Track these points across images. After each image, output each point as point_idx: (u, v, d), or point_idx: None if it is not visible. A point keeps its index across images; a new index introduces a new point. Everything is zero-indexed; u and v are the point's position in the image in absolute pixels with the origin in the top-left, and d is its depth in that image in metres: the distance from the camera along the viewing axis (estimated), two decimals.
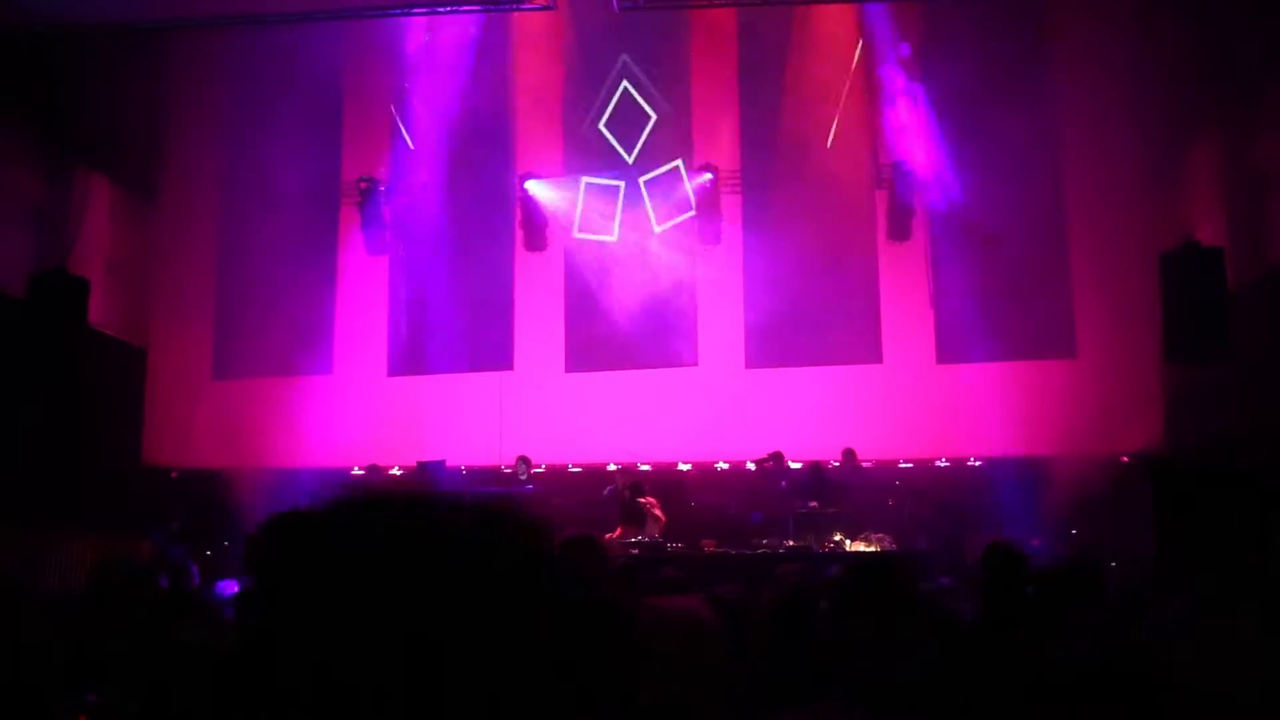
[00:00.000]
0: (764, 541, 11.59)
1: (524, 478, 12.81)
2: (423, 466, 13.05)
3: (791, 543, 11.33)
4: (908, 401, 13.54)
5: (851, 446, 12.88)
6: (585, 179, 14.40)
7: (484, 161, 14.56)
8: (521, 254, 14.53)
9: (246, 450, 13.35)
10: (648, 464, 13.64)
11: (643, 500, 11.76)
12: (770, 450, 12.85)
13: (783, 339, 13.91)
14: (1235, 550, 2.68)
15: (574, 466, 13.94)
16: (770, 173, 14.24)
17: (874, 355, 13.85)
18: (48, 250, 12.41)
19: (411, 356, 14.39)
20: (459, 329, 14.26)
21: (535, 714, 0.95)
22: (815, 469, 12.40)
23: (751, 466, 13.22)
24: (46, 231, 12.85)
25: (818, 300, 13.86)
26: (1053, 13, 13.54)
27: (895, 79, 13.98)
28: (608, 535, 11.47)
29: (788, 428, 13.35)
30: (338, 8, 12.64)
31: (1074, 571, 5.06)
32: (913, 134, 13.81)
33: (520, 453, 13.06)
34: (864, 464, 13.05)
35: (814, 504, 11.94)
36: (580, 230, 14.41)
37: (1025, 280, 13.19)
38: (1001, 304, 13.12)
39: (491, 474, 13.55)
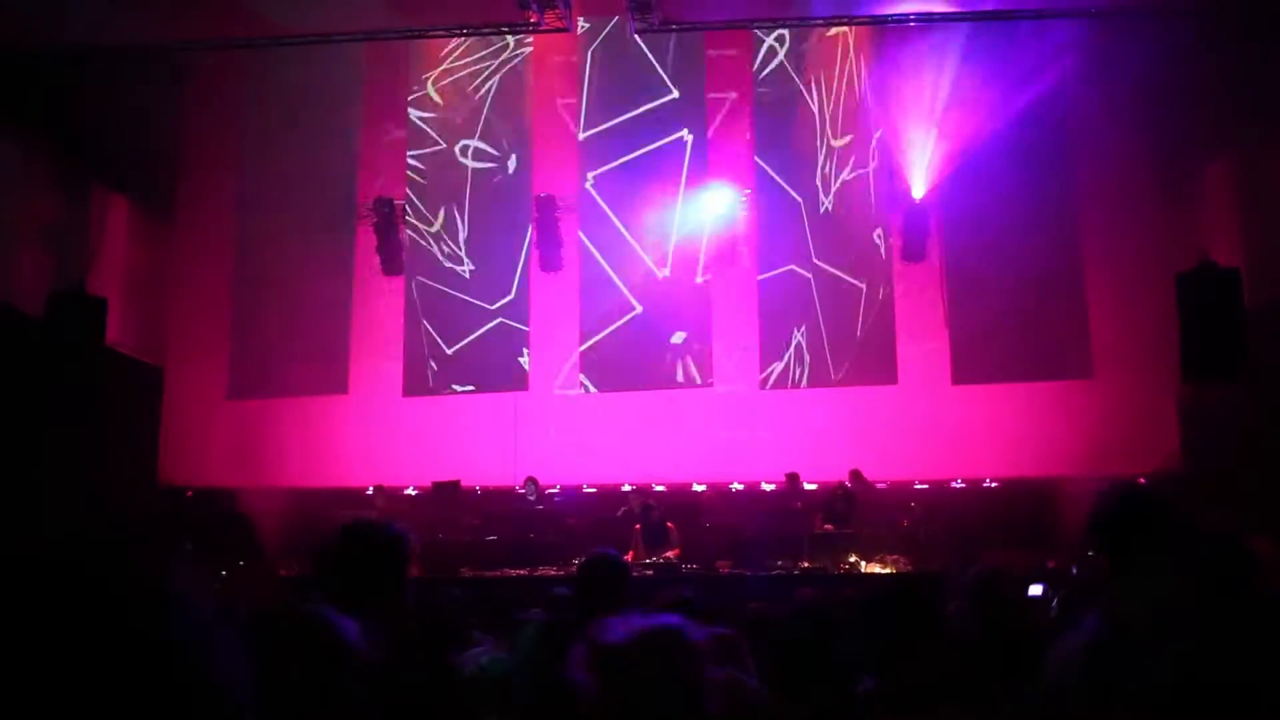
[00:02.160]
0: (779, 563, 11.55)
1: (533, 498, 12.80)
2: (437, 487, 13.06)
3: (807, 564, 11.29)
4: (923, 422, 13.52)
5: (859, 468, 12.84)
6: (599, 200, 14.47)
7: (500, 182, 14.65)
8: (537, 274, 14.55)
9: (262, 470, 13.39)
10: (663, 485, 13.62)
11: (668, 524, 11.75)
12: (786, 472, 12.85)
13: (797, 360, 13.92)
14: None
15: (588, 487, 13.93)
16: (786, 191, 14.26)
17: (889, 376, 13.83)
18: (66, 270, 12.47)
19: (425, 377, 14.43)
20: (473, 349, 14.33)
21: None
22: (845, 493, 12.33)
23: (769, 488, 13.23)
24: (65, 251, 12.91)
25: (832, 321, 13.87)
26: (1067, 32, 13.55)
27: (910, 99, 14.02)
28: (624, 556, 11.44)
29: (803, 449, 13.34)
30: (355, 29, 12.73)
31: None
32: (928, 155, 13.83)
33: (533, 473, 13.06)
34: (879, 485, 13.01)
35: (829, 526, 11.89)
36: (593, 250, 14.47)
37: (1040, 300, 13.18)
38: (1017, 324, 13.10)
39: (504, 494, 13.55)
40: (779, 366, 14.03)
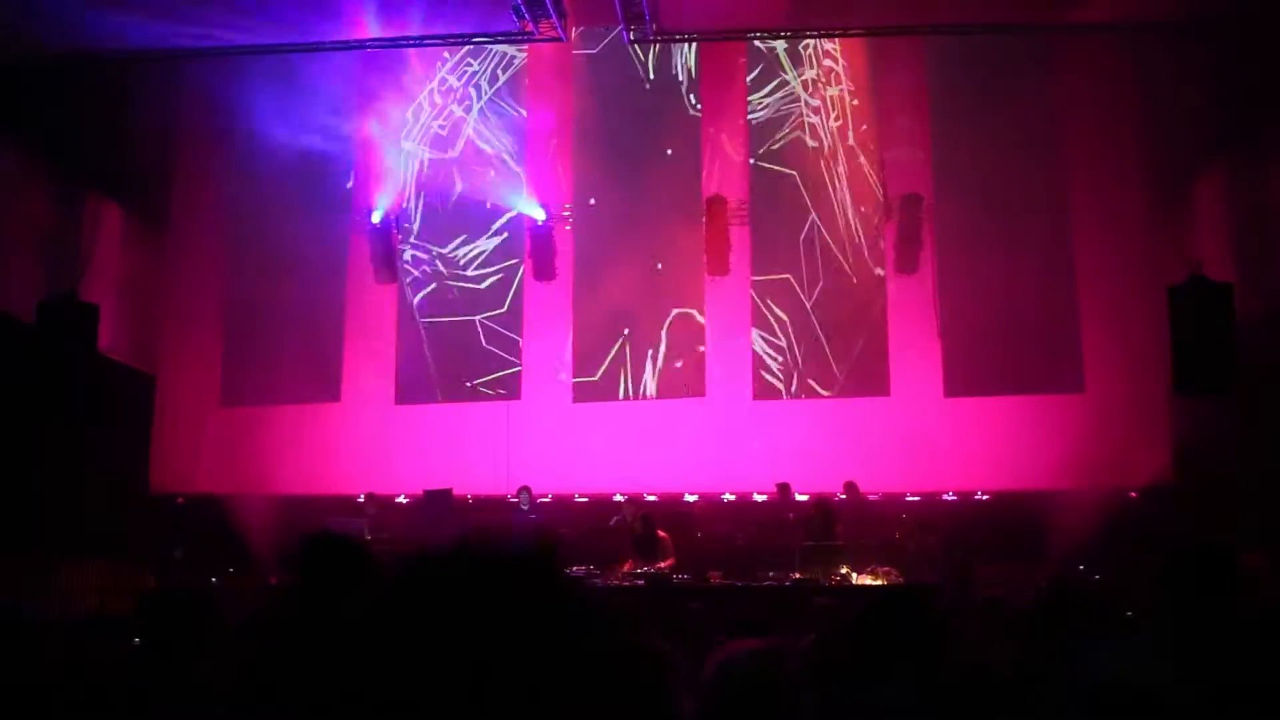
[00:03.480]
0: (770, 574, 11.53)
1: (526, 507, 12.76)
2: (429, 495, 13.02)
3: (798, 575, 11.26)
4: (915, 434, 13.51)
5: (853, 480, 12.84)
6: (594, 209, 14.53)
7: (495, 192, 14.67)
8: (530, 284, 14.56)
9: (254, 477, 13.35)
10: (654, 495, 13.59)
11: (660, 534, 11.72)
12: (777, 483, 12.85)
13: (790, 371, 13.95)
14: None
15: (580, 496, 13.90)
16: (780, 204, 14.30)
17: (881, 388, 13.85)
18: (58, 276, 12.43)
19: (418, 385, 14.44)
20: (466, 358, 14.36)
21: None
22: (820, 504, 12.30)
23: (761, 499, 13.22)
24: (57, 258, 12.88)
25: (825, 333, 13.91)
26: (1059, 48, 13.60)
27: (903, 112, 14.08)
28: (618, 567, 11.44)
29: (794, 460, 13.33)
30: (349, 39, 12.73)
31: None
32: (921, 167, 13.88)
33: (526, 482, 13.02)
34: (870, 497, 13.00)
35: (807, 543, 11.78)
36: (587, 259, 14.50)
37: (1033, 313, 13.21)
38: (1009, 337, 13.13)
39: (496, 503, 13.52)
40: (771, 378, 14.05)
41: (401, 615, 0.97)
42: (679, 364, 14.25)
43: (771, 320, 14.14)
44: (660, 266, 14.39)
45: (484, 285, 14.59)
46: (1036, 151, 13.31)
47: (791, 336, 14.03)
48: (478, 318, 14.56)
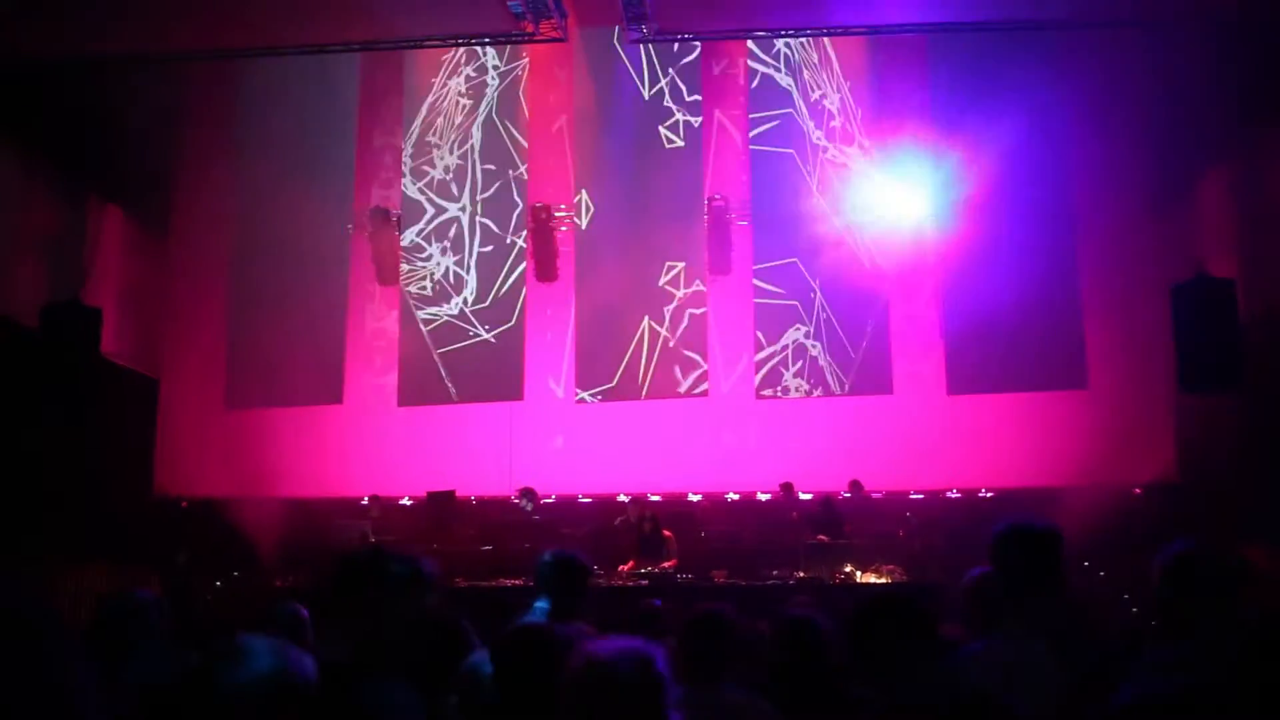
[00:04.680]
0: (774, 573, 11.53)
1: (529, 508, 12.75)
2: (432, 497, 13.02)
3: (802, 574, 11.26)
4: (918, 432, 13.51)
5: (858, 478, 12.83)
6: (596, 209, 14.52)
7: (497, 193, 14.69)
8: (533, 284, 14.57)
9: (257, 480, 13.35)
10: (658, 494, 13.59)
11: (666, 533, 11.72)
12: (781, 482, 12.84)
13: (793, 370, 13.93)
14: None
15: (584, 497, 13.90)
16: (781, 202, 14.28)
17: (884, 386, 13.84)
18: (61, 281, 12.44)
19: (421, 387, 14.45)
20: (469, 360, 14.36)
21: None
22: (826, 502, 12.32)
23: (765, 498, 13.22)
24: (60, 262, 12.89)
25: (828, 331, 13.90)
26: (1065, 46, 13.57)
27: (904, 109, 14.06)
28: (621, 566, 11.43)
29: (798, 459, 13.33)
30: (352, 39, 12.72)
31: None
32: (922, 165, 13.85)
33: (528, 483, 13.01)
34: (874, 495, 12.99)
35: (822, 537, 11.84)
36: (589, 260, 14.51)
37: (1036, 311, 13.17)
38: (1012, 335, 13.10)
39: (499, 504, 13.52)
40: (775, 376, 14.04)
41: None
42: (679, 364, 14.23)
43: (774, 319, 14.12)
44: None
45: (486, 286, 14.59)
46: (1039, 148, 13.28)
47: (795, 335, 14.01)
48: (478, 319, 14.55)
